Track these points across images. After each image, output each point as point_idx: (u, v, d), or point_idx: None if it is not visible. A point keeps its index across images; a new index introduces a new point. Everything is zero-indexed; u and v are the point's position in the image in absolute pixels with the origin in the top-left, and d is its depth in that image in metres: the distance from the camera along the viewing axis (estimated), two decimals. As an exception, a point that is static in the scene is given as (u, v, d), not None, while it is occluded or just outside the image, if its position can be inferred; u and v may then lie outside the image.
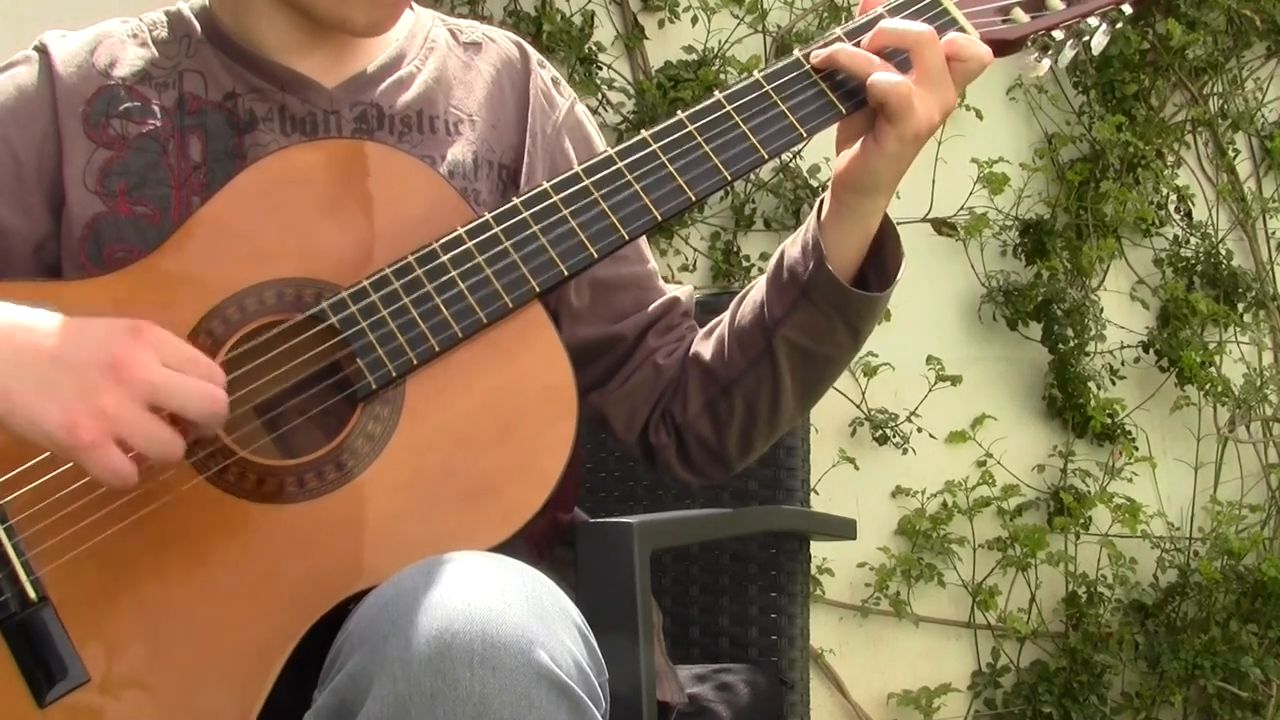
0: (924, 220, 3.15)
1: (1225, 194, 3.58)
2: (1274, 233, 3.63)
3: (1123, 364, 3.43)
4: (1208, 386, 3.43)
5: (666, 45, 3.01)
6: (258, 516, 1.13)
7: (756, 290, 1.34)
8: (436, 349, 1.15)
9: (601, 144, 1.45)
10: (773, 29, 3.08)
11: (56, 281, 1.27)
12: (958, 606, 3.29)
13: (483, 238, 1.19)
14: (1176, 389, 3.48)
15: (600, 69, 2.92)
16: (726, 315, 1.37)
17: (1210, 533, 3.45)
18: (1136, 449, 3.40)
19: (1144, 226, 3.46)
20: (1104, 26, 1.31)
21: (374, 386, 1.15)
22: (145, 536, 1.12)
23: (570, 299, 1.38)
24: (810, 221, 1.30)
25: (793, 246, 1.31)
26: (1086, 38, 1.31)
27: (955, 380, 3.13)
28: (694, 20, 2.99)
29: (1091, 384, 3.32)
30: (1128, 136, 3.32)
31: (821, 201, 1.29)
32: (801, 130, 1.23)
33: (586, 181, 1.21)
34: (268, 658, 1.08)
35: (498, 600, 0.96)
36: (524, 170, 1.36)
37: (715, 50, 2.99)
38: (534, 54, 1.43)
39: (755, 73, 1.25)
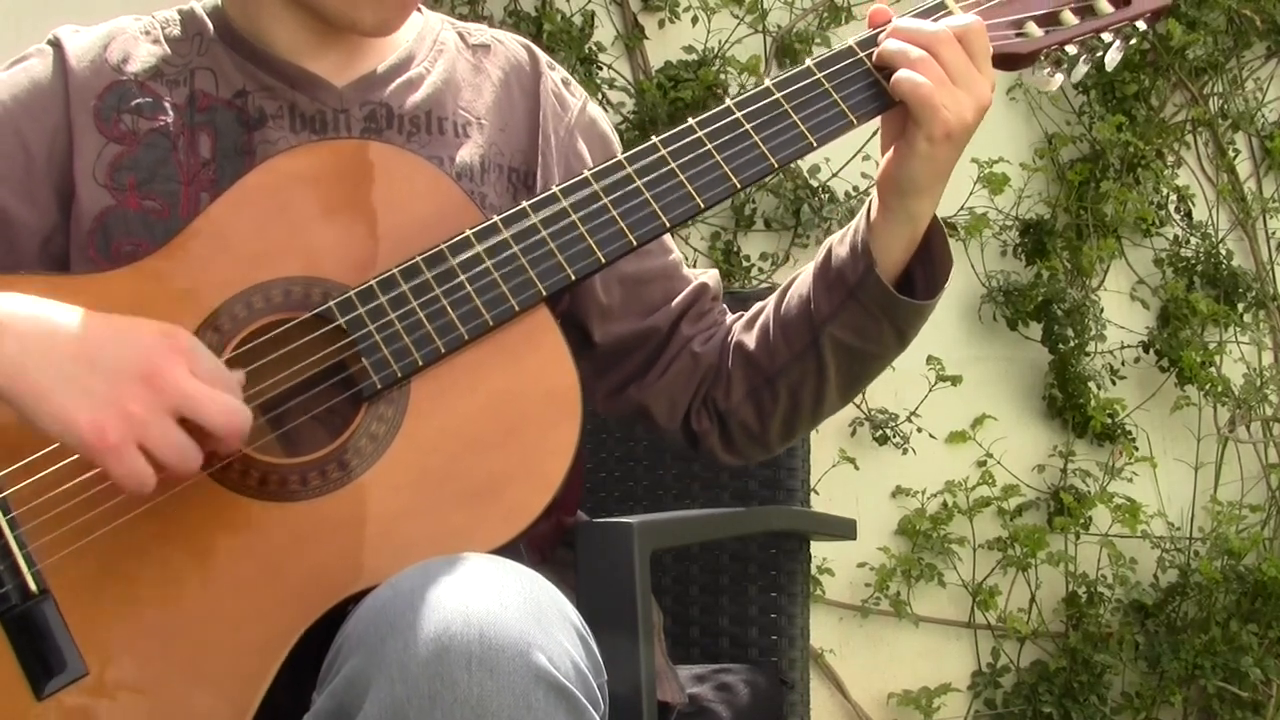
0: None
1: (1225, 194, 3.58)
2: (1274, 233, 3.63)
3: (1123, 364, 3.43)
4: (1208, 386, 3.43)
5: (666, 45, 3.01)
6: (260, 514, 1.13)
7: (802, 284, 1.34)
8: (442, 350, 1.15)
9: (617, 141, 1.45)
10: (773, 29, 3.08)
11: (65, 275, 1.27)
12: (958, 606, 3.29)
13: (491, 241, 1.19)
14: (1176, 389, 3.48)
15: (600, 69, 2.92)
16: (770, 305, 1.37)
17: (1210, 533, 3.45)
18: (1136, 449, 3.40)
19: (1144, 226, 3.46)
20: (1117, 43, 1.31)
21: (379, 386, 1.15)
22: (147, 532, 1.12)
23: (599, 297, 1.38)
24: (859, 221, 1.30)
25: (840, 245, 1.31)
26: (1100, 53, 1.31)
27: (955, 380, 3.14)
28: (694, 20, 2.99)
29: (1092, 384, 3.32)
30: (1128, 136, 3.32)
31: (870, 202, 1.29)
32: (812, 139, 1.23)
33: (595, 186, 1.21)
34: (266, 656, 1.08)
35: (496, 602, 0.96)
36: (539, 173, 1.36)
37: (715, 50, 2.99)
38: (543, 56, 1.44)
39: (766, 80, 1.25)
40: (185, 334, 1.11)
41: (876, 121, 1.27)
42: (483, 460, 1.13)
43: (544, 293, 1.18)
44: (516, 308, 1.17)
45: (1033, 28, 1.29)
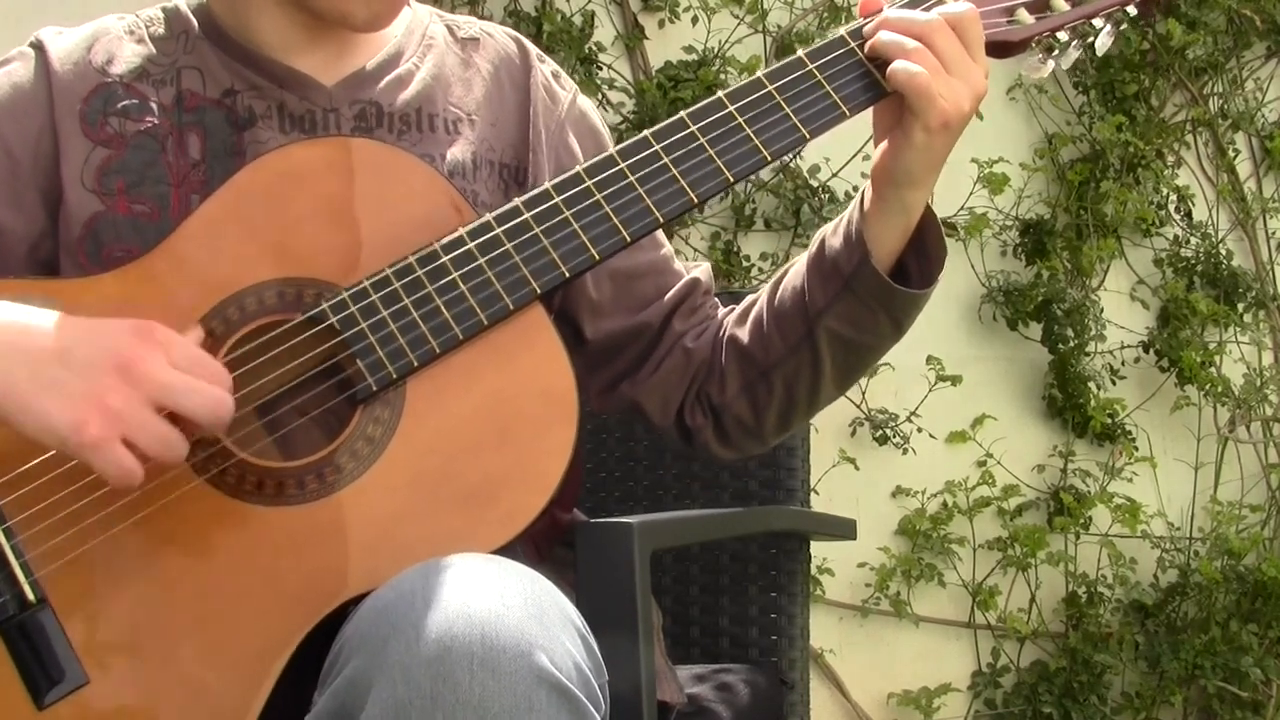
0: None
1: (1225, 194, 3.58)
2: (1274, 233, 3.63)
3: (1123, 364, 3.43)
4: (1208, 386, 3.43)
5: (666, 45, 3.01)
6: (257, 519, 1.12)
7: (795, 276, 1.33)
8: (437, 350, 1.15)
9: (608, 134, 1.44)
10: (773, 29, 3.07)
11: (55, 280, 1.26)
12: (958, 606, 3.29)
13: (484, 238, 1.18)
14: (1176, 389, 3.47)
15: (600, 69, 2.92)
16: (763, 298, 1.36)
17: (1210, 533, 3.45)
18: (1136, 449, 3.40)
19: (1144, 226, 3.46)
20: (1108, 28, 1.31)
21: (374, 388, 1.14)
22: (145, 538, 1.11)
23: (590, 294, 1.38)
24: (852, 212, 1.29)
25: (834, 236, 1.30)
26: (1091, 39, 1.31)
27: (955, 380, 3.13)
28: (694, 20, 2.99)
29: (1091, 384, 3.32)
30: (1128, 136, 3.32)
31: (864, 192, 1.29)
32: (805, 131, 1.22)
33: (588, 182, 1.21)
34: (267, 660, 1.08)
35: (497, 603, 0.96)
36: (530, 168, 1.35)
37: (715, 50, 2.99)
38: (532, 49, 1.43)
39: (759, 72, 1.25)
40: (159, 326, 1.10)
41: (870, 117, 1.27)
42: (479, 461, 1.13)
43: (538, 290, 1.17)
44: (511, 306, 1.17)
45: (1024, 14, 1.28)
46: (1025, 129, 3.39)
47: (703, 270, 1.44)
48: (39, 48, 1.33)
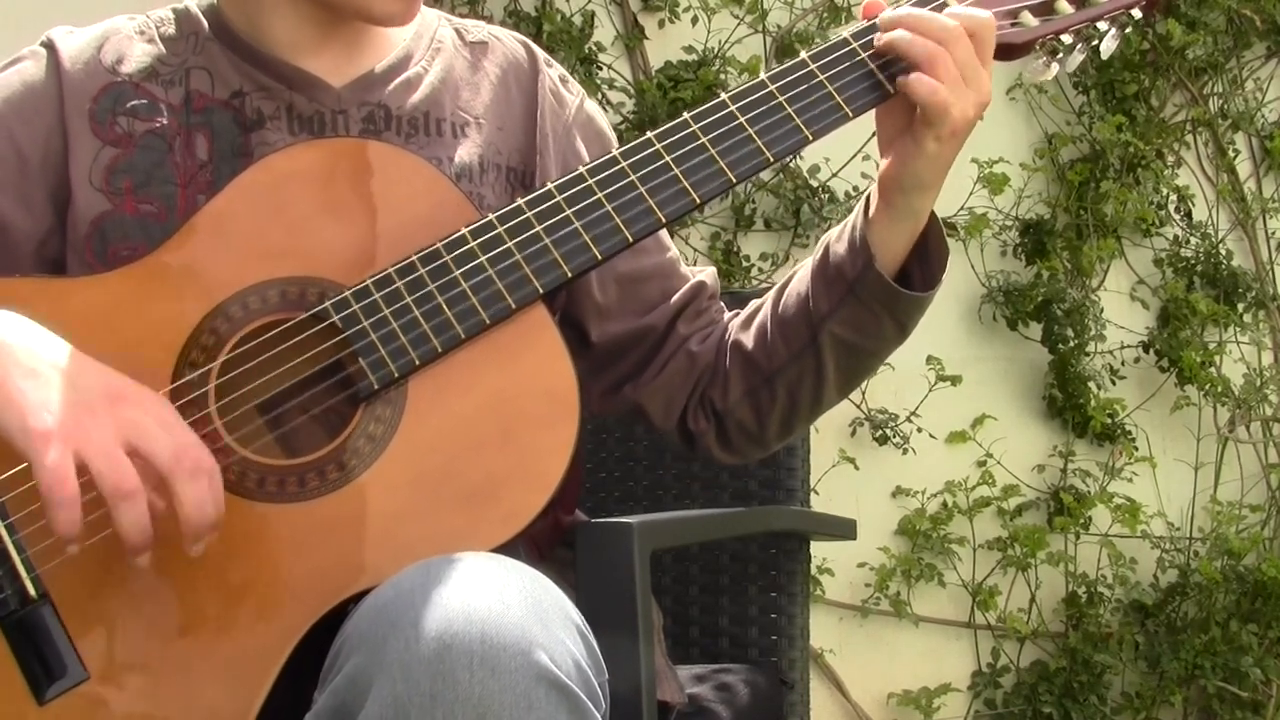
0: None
1: (1225, 194, 3.58)
2: (1274, 233, 3.63)
3: (1123, 364, 3.43)
4: (1208, 386, 3.43)
5: (666, 45, 3.01)
6: (259, 516, 1.13)
7: (799, 281, 1.34)
8: (439, 349, 1.15)
9: (614, 137, 1.44)
10: (773, 29, 3.08)
11: (61, 279, 1.27)
12: (958, 606, 3.29)
13: (486, 238, 1.18)
14: (1176, 389, 3.48)
15: (600, 69, 2.92)
16: (767, 304, 1.37)
17: (1210, 533, 3.45)
18: (1136, 449, 3.40)
19: (1144, 226, 3.46)
20: (1113, 31, 1.31)
21: (376, 386, 1.15)
22: (146, 535, 1.12)
23: (595, 296, 1.38)
24: (856, 218, 1.29)
25: (838, 242, 1.30)
26: (1095, 42, 1.31)
27: (955, 380, 3.14)
28: (694, 20, 2.99)
29: (1091, 384, 3.32)
30: (1128, 136, 3.32)
31: (868, 197, 1.29)
32: (807, 132, 1.22)
33: (590, 181, 1.21)
34: (267, 658, 1.08)
35: (497, 601, 0.96)
36: (536, 172, 1.36)
37: (715, 50, 2.99)
38: (540, 53, 1.43)
39: (762, 74, 1.25)
40: (146, 393, 1.11)
41: (872, 118, 1.27)
42: (481, 460, 1.13)
43: (541, 290, 1.18)
44: (513, 305, 1.17)
45: (1028, 17, 1.28)
46: (1025, 129, 3.40)
47: (708, 274, 1.44)
48: (50, 47, 1.34)
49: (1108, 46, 1.31)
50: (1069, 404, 3.33)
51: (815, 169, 3.03)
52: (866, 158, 2.96)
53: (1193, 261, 3.48)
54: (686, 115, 1.23)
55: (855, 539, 1.89)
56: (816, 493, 2.47)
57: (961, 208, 3.21)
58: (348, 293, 1.16)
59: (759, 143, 1.22)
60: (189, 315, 1.16)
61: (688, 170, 1.21)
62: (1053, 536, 3.30)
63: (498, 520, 1.11)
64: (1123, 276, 3.48)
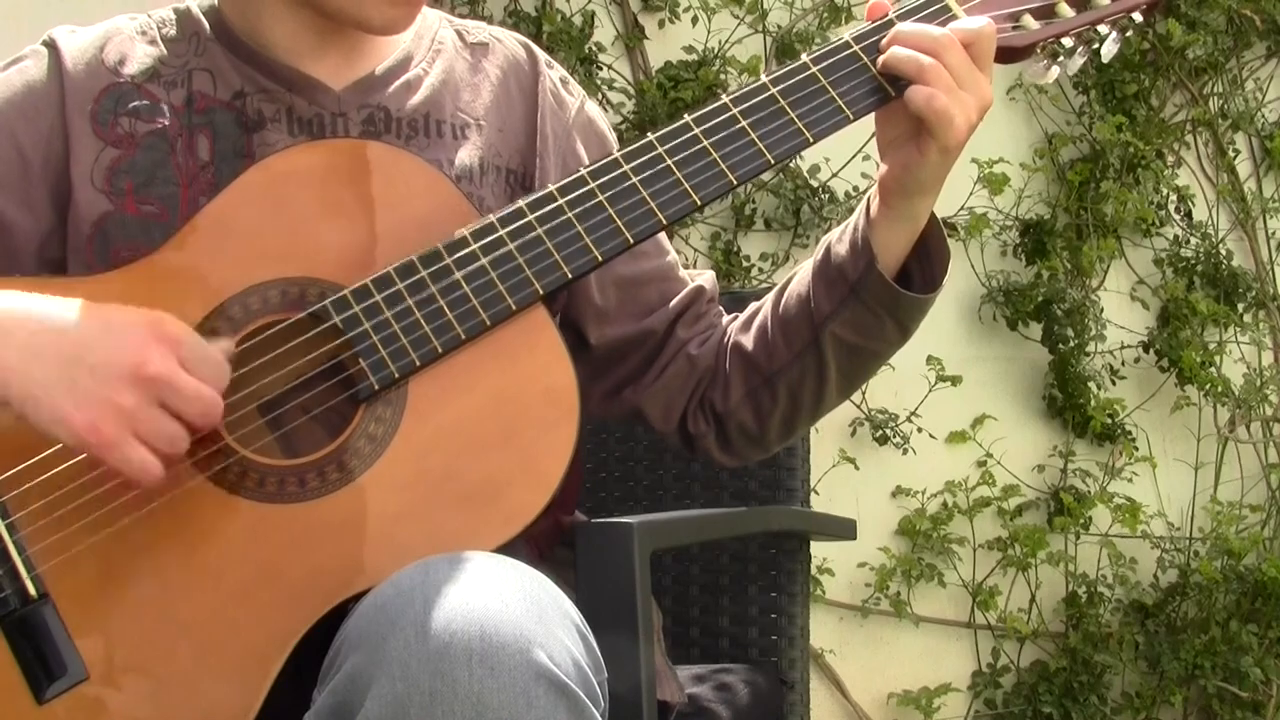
0: (924, 220, 3.15)
1: (1225, 194, 3.58)
2: (1274, 233, 3.63)
3: (1123, 364, 3.43)
4: (1208, 386, 3.43)
5: (666, 45, 3.01)
6: (259, 516, 1.13)
7: (800, 283, 1.34)
8: (439, 350, 1.15)
9: (614, 139, 1.45)
10: (773, 29, 3.08)
11: (62, 278, 1.27)
12: (958, 606, 3.29)
13: (487, 239, 1.18)
14: (1176, 389, 3.48)
15: (600, 69, 2.92)
16: (767, 305, 1.37)
17: (1210, 533, 3.45)
18: (1136, 449, 3.40)
19: (1144, 226, 3.46)
20: (1114, 34, 1.31)
21: (376, 387, 1.15)
22: (146, 534, 1.12)
23: (594, 300, 1.38)
24: (858, 219, 1.29)
25: (839, 244, 1.30)
26: (1096, 45, 1.31)
27: (955, 380, 3.14)
28: (694, 20, 2.99)
29: (1091, 384, 3.32)
30: (1128, 136, 3.32)
31: (869, 199, 1.29)
32: (808, 134, 1.23)
33: (592, 184, 1.21)
34: (267, 657, 1.08)
35: (496, 600, 0.97)
36: (536, 174, 1.36)
37: (715, 50, 2.99)
38: (541, 55, 1.43)
39: (762, 76, 1.25)
40: (169, 320, 1.11)
41: (872, 118, 1.27)
42: (481, 461, 1.13)
43: (541, 292, 1.18)
44: (514, 307, 1.17)
45: (1029, 20, 1.28)
46: (1025, 129, 3.40)
47: (707, 278, 1.44)
48: (52, 46, 1.34)
49: (1109, 50, 1.31)
50: (1069, 404, 3.33)
51: (815, 169, 3.03)
52: (866, 158, 2.96)
53: (1193, 261, 3.48)
54: (687, 117, 1.23)
55: (855, 539, 1.90)
56: (817, 493, 2.48)
57: (961, 208, 3.21)
58: (348, 293, 1.16)
59: (760, 145, 1.22)
60: (190, 315, 1.16)
61: (688, 172, 1.21)
62: (1053, 536, 3.30)
63: (498, 521, 1.12)
64: (1123, 276, 3.48)
